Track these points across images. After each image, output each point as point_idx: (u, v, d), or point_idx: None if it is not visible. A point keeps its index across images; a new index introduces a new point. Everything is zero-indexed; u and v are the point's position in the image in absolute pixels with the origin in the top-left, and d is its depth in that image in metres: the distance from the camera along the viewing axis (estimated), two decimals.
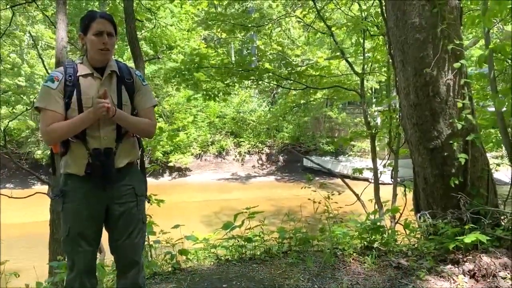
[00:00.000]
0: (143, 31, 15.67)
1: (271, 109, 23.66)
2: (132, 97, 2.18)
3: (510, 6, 3.44)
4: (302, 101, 17.21)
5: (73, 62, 2.13)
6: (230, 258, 3.46)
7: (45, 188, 7.82)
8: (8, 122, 10.83)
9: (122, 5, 6.54)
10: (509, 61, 3.99)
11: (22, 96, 18.47)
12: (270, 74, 8.33)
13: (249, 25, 9.71)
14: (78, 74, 2.07)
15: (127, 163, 2.17)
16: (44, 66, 8.41)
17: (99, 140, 2.06)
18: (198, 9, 18.04)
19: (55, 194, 2.10)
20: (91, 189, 2.06)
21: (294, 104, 18.70)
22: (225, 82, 8.12)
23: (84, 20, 2.10)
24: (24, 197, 6.48)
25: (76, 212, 2.06)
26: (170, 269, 3.31)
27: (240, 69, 7.87)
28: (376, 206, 6.23)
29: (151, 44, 18.68)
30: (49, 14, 10.52)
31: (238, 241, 3.62)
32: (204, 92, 8.37)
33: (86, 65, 2.10)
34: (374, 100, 17.46)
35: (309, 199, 4.18)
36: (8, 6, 7.49)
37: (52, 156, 2.20)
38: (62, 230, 2.12)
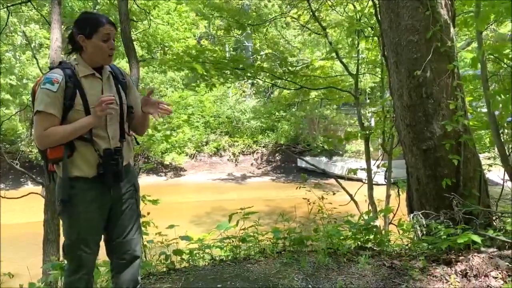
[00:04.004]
0: (136, 32, 15.63)
1: (266, 103, 23.66)
2: (126, 96, 2.23)
3: (504, 8, 3.48)
4: (296, 100, 17.26)
5: (68, 64, 2.10)
6: (224, 258, 3.47)
7: (38, 188, 7.79)
8: (2, 122, 10.73)
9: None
10: (504, 62, 4.03)
11: (14, 96, 18.36)
12: (266, 72, 8.36)
13: (246, 23, 9.74)
14: (80, 76, 2.06)
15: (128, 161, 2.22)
16: (38, 66, 8.37)
17: (108, 140, 2.07)
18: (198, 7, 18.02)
19: (62, 199, 2.02)
20: (100, 191, 2.07)
21: (287, 102, 18.75)
22: (220, 75, 8.13)
23: (88, 23, 2.05)
24: (18, 197, 6.45)
25: (85, 216, 2.05)
26: (164, 269, 3.31)
27: (236, 67, 7.88)
28: (370, 207, 6.27)
29: (147, 45, 18.65)
30: (44, 13, 10.47)
31: (233, 241, 3.63)
32: (201, 80, 8.35)
33: (84, 66, 2.08)
34: (368, 101, 17.52)
35: (304, 198, 4.21)
36: (4, 7, 7.44)
37: (46, 163, 2.12)
38: (69, 234, 2.08)
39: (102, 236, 2.20)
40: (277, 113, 22.47)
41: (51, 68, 2.14)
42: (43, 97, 1.98)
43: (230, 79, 8.64)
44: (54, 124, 1.98)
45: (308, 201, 4.17)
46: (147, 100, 2.19)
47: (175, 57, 8.37)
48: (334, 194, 4.55)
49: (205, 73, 7.83)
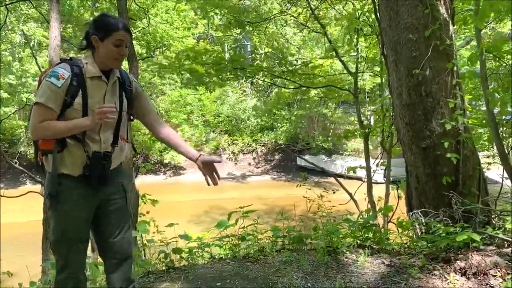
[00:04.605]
0: (136, 30, 15.61)
1: (266, 102, 23.67)
2: (130, 103, 2.22)
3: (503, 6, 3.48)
4: (296, 98, 17.29)
5: (78, 61, 2.08)
6: (224, 257, 3.47)
7: (37, 187, 7.79)
8: (0, 121, 10.73)
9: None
10: (502, 60, 4.03)
11: (12, 94, 18.35)
12: (265, 71, 8.35)
13: (246, 21, 9.74)
14: (86, 76, 2.05)
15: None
16: (37, 64, 8.37)
17: (99, 144, 2.07)
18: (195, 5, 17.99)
19: (50, 193, 2.04)
20: (86, 190, 2.07)
21: (287, 100, 18.75)
22: (220, 77, 8.12)
23: (104, 26, 2.05)
24: (17, 196, 6.45)
25: (72, 214, 2.05)
26: (164, 268, 3.31)
27: (235, 67, 7.87)
28: (369, 205, 6.27)
29: (146, 43, 18.63)
30: (43, 12, 10.45)
31: (232, 239, 3.63)
32: (200, 83, 8.37)
33: (93, 66, 2.07)
34: (367, 99, 17.53)
35: (304, 196, 4.22)
36: (3, 5, 7.44)
37: (36, 152, 2.16)
38: (55, 231, 2.09)
39: (92, 235, 2.21)
40: (277, 112, 22.44)
41: (62, 60, 2.13)
42: (45, 90, 1.98)
43: (229, 80, 8.62)
44: (50, 118, 1.99)
45: (308, 199, 4.17)
46: (210, 162, 2.21)
47: (174, 60, 8.36)
48: (334, 193, 4.56)
49: (205, 75, 7.84)
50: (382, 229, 4.15)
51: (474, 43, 8.10)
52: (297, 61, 10.82)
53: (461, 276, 2.83)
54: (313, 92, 12.67)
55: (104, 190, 2.12)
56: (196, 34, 24.09)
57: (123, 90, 2.18)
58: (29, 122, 2.04)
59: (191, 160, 2.24)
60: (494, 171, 5.27)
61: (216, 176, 2.22)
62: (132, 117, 2.28)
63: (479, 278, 2.79)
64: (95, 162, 2.04)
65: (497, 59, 4.12)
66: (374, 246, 3.53)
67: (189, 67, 7.71)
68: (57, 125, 2.00)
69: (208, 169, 2.20)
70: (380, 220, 5.71)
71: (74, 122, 2.00)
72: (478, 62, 3.56)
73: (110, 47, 2.04)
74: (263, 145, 23.76)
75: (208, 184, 2.20)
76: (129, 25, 5.57)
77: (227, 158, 23.18)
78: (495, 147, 4.42)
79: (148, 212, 4.56)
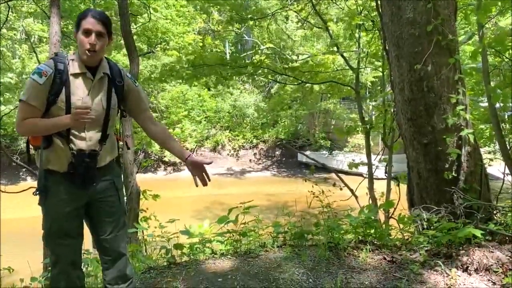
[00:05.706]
0: (136, 26, 15.58)
1: (267, 101, 23.64)
2: (122, 100, 2.18)
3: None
4: (298, 95, 17.28)
5: (64, 57, 2.06)
6: (225, 253, 3.47)
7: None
8: (1, 117, 10.73)
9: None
10: (505, 56, 4.01)
11: (13, 91, 18.35)
12: (265, 69, 8.34)
13: (248, 16, 9.72)
14: (70, 73, 2.01)
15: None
16: (38, 61, 8.36)
17: (84, 141, 2.04)
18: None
19: (39, 188, 2.05)
20: (72, 186, 2.05)
21: (290, 99, 18.74)
22: (221, 77, 8.13)
23: (77, 17, 2.05)
24: (18, 192, 6.45)
25: (57, 209, 2.06)
26: (165, 263, 3.31)
27: (237, 65, 7.86)
28: (370, 201, 6.27)
29: (146, 39, 18.60)
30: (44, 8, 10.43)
31: (233, 235, 3.63)
32: (201, 82, 8.40)
33: (78, 63, 2.04)
34: (368, 94, 17.48)
35: (309, 191, 4.21)
36: (4, 2, 7.42)
37: (27, 146, 2.17)
38: (44, 226, 2.11)
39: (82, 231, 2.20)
40: (282, 112, 22.34)
41: (55, 55, 2.11)
42: (28, 88, 1.98)
43: (231, 78, 8.60)
44: (34, 115, 1.99)
45: (313, 193, 4.17)
46: (200, 163, 2.16)
47: (175, 64, 8.36)
48: (341, 189, 4.56)
49: (207, 79, 7.85)
50: (384, 225, 4.15)
51: (476, 37, 8.07)
52: (298, 56, 10.80)
53: (463, 272, 2.82)
54: (316, 87, 12.66)
55: (93, 188, 2.10)
56: (196, 29, 24.05)
57: (112, 86, 2.12)
58: (16, 119, 2.06)
59: (181, 160, 2.21)
60: (495, 167, 5.26)
61: (206, 177, 2.18)
62: (124, 114, 2.24)
63: (481, 274, 2.78)
64: (79, 160, 2.03)
65: (499, 54, 4.11)
66: (375, 242, 3.53)
67: (189, 75, 7.73)
68: (38, 122, 1.99)
69: (197, 170, 2.16)
70: (381, 216, 5.70)
71: (55, 120, 1.99)
72: (480, 57, 3.55)
73: (80, 37, 2.00)
74: (264, 141, 23.75)
75: (197, 185, 2.15)
76: (130, 21, 5.54)
77: (228, 154, 23.19)
78: (496, 143, 4.41)
79: (147, 209, 4.56)
